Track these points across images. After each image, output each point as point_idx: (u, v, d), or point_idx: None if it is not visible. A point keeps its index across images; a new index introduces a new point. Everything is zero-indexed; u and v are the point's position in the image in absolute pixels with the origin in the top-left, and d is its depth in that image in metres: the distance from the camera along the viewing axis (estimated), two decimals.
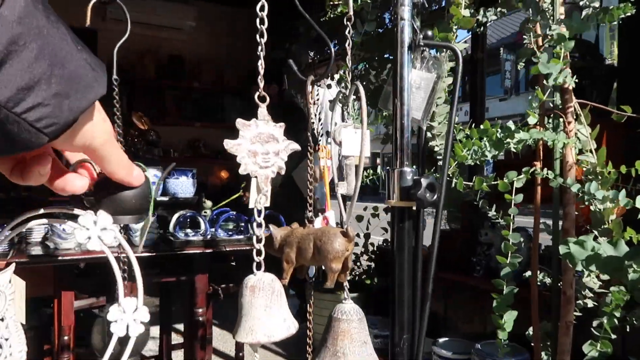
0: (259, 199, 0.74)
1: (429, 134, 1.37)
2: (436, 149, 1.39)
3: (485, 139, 1.33)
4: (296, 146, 0.77)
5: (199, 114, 4.67)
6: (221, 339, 3.38)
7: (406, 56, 0.89)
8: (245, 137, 0.74)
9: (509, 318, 1.18)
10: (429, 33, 0.90)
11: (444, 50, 1.01)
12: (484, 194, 1.47)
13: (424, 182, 0.84)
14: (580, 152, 1.43)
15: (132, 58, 4.46)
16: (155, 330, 3.21)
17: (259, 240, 0.74)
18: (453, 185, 1.33)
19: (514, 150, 1.41)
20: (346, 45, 0.86)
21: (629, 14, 1.39)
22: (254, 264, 0.73)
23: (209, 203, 2.37)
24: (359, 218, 2.93)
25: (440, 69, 0.90)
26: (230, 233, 2.18)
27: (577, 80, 1.30)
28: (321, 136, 6.24)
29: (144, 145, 3.74)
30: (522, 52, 1.39)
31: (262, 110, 0.75)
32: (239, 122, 0.74)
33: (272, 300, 0.69)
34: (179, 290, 2.67)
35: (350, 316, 0.81)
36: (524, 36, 1.34)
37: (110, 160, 0.41)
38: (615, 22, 1.36)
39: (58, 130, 0.33)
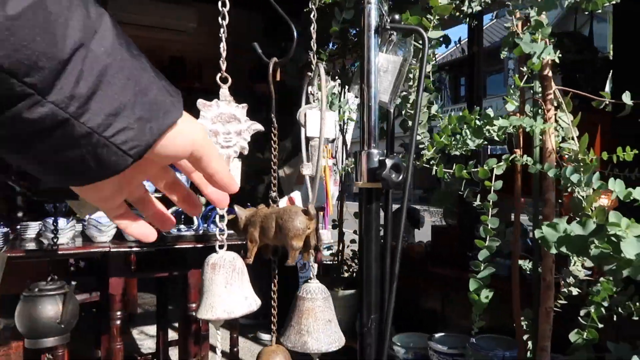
0: None
1: (409, 123, 1.38)
2: (418, 137, 1.40)
3: (465, 126, 1.33)
4: (259, 126, 0.78)
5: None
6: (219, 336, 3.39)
7: (373, 39, 0.90)
8: (206, 117, 0.75)
9: (485, 295, 1.19)
10: (397, 17, 0.91)
11: (412, 34, 1.02)
12: (480, 188, 1.47)
13: (388, 162, 0.85)
14: (564, 140, 1.43)
15: None
16: (152, 329, 3.23)
17: (221, 219, 0.74)
18: (433, 172, 1.33)
19: (497, 139, 1.42)
20: (311, 28, 0.87)
21: (614, 2, 1.39)
22: (217, 244, 0.74)
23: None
24: (355, 215, 2.94)
25: (407, 51, 0.91)
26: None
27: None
28: None
29: None
30: (505, 41, 1.39)
31: (224, 91, 0.76)
32: (200, 102, 0.75)
33: (232, 278, 0.70)
34: (175, 288, 2.68)
35: (315, 295, 0.82)
36: (505, 25, 1.34)
37: (210, 158, 0.42)
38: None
39: (141, 151, 0.35)
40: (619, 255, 0.78)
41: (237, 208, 0.86)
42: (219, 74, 0.76)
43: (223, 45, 0.77)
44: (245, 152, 0.76)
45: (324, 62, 1.20)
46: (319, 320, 0.81)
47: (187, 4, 4.64)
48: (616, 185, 1.01)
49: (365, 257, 0.90)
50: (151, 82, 0.36)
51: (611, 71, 2.45)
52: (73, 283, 1.65)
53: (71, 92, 0.31)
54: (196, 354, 2.29)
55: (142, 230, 0.45)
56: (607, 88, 2.41)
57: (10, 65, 0.29)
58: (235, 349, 2.48)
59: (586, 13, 1.62)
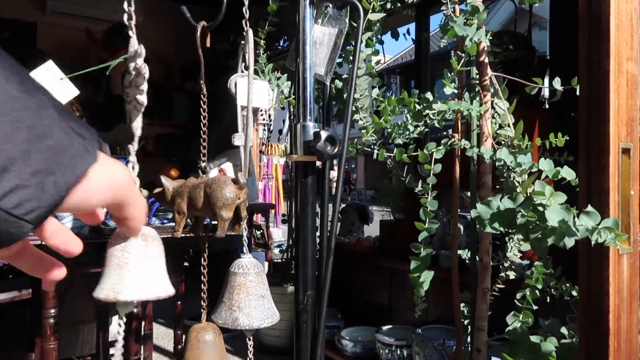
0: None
1: (352, 107, 1.38)
2: (360, 122, 1.40)
3: (405, 111, 1.34)
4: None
5: (146, 110, 4.56)
6: (167, 337, 3.29)
7: (308, 9, 0.89)
8: None
9: (426, 277, 1.20)
10: None
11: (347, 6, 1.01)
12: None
13: (323, 134, 0.83)
14: (501, 127, 1.47)
15: (75, 53, 4.31)
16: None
17: None
18: (375, 156, 1.34)
19: (437, 125, 1.43)
20: None
21: None
22: None
23: (144, 192, 2.30)
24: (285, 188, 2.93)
25: (342, 23, 0.90)
26: (164, 221, 2.13)
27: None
28: (270, 132, 6.19)
29: None
30: (443, 27, 1.41)
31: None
32: None
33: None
34: None
35: (247, 270, 0.79)
36: (442, 9, 1.36)
37: (130, 204, 0.38)
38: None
39: (43, 215, 0.28)
40: (543, 224, 0.80)
41: (163, 179, 0.82)
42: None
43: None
44: (142, 108, 0.72)
45: (262, 40, 1.18)
46: (251, 295, 0.78)
47: None
48: (545, 165, 1.04)
49: (301, 232, 0.89)
50: (52, 124, 0.28)
51: (548, 69, 2.56)
52: None
53: None
54: (137, 353, 2.20)
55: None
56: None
57: None
58: (179, 347, 2.40)
59: (522, 6, 1.68)
